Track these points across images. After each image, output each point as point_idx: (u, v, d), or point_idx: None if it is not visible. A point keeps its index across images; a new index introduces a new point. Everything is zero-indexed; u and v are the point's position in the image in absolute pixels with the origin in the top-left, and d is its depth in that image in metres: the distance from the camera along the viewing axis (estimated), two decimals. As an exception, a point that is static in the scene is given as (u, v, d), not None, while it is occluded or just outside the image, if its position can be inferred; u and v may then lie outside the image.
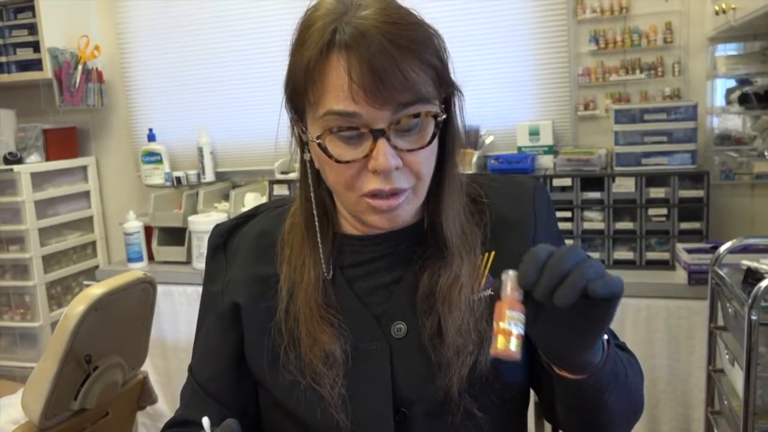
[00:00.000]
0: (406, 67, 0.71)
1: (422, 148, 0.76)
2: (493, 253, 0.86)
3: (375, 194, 0.77)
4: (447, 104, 0.81)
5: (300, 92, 0.77)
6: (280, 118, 0.83)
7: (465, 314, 0.81)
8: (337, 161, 0.75)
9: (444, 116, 0.78)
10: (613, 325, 0.94)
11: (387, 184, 0.76)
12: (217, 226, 0.97)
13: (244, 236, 0.94)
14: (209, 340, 0.94)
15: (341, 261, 0.88)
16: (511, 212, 0.89)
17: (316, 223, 0.85)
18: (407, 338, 0.84)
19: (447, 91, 0.80)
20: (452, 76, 0.80)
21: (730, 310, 1.68)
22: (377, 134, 0.73)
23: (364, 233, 0.88)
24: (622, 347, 0.91)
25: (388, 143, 0.74)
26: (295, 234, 0.88)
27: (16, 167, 2.80)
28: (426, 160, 0.78)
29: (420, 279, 0.84)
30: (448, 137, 0.83)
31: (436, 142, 0.79)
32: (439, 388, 0.81)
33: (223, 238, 0.95)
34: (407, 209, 0.80)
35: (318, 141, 0.75)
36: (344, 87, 0.71)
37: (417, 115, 0.74)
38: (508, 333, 0.64)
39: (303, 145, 0.83)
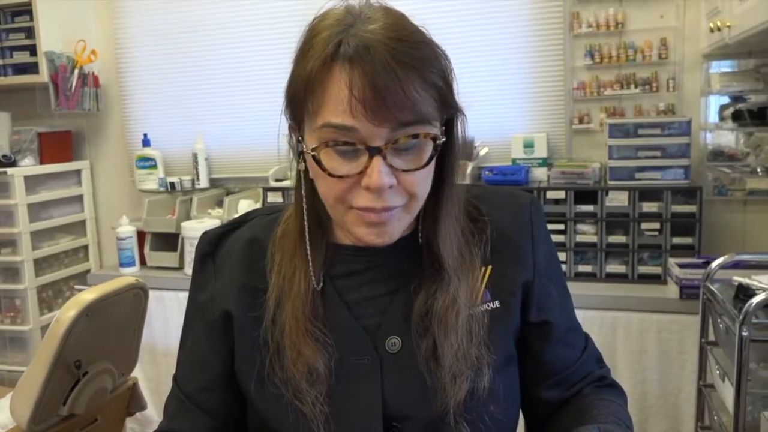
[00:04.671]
0: (408, 86, 0.69)
1: (418, 169, 0.74)
2: (489, 267, 0.85)
3: (366, 210, 0.75)
4: (449, 125, 0.79)
5: (299, 101, 0.75)
6: (281, 126, 0.81)
7: (462, 339, 0.80)
8: (331, 175, 0.73)
9: (443, 139, 0.76)
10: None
11: (379, 202, 0.73)
12: (206, 233, 0.94)
13: (234, 244, 0.91)
14: (196, 351, 0.92)
15: (333, 271, 0.85)
16: (509, 227, 0.88)
17: (307, 234, 0.83)
18: (401, 354, 0.82)
19: (449, 112, 0.78)
20: (456, 97, 0.78)
21: (721, 326, 1.68)
22: (373, 152, 0.71)
23: (358, 243, 0.85)
24: (612, 384, 0.92)
25: (384, 162, 0.72)
26: (287, 241, 0.86)
27: (9, 170, 2.79)
28: (421, 180, 0.76)
29: (415, 299, 0.82)
30: (447, 159, 0.81)
31: (433, 163, 0.77)
32: (433, 410, 0.80)
33: (212, 245, 0.92)
34: (397, 226, 0.78)
35: (313, 153, 0.73)
36: (344, 101, 0.69)
37: (416, 136, 0.72)
38: None
39: (299, 154, 0.81)
